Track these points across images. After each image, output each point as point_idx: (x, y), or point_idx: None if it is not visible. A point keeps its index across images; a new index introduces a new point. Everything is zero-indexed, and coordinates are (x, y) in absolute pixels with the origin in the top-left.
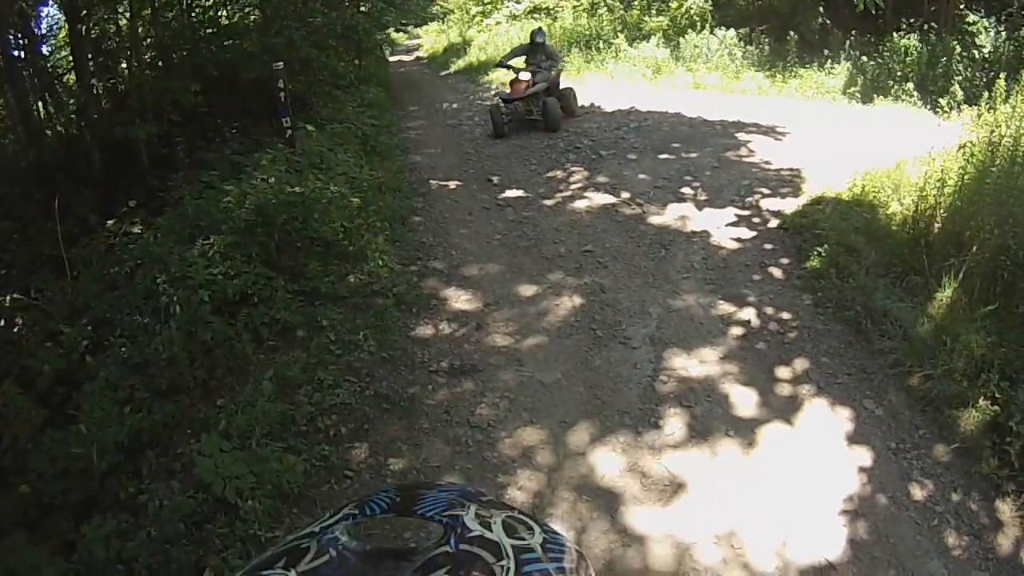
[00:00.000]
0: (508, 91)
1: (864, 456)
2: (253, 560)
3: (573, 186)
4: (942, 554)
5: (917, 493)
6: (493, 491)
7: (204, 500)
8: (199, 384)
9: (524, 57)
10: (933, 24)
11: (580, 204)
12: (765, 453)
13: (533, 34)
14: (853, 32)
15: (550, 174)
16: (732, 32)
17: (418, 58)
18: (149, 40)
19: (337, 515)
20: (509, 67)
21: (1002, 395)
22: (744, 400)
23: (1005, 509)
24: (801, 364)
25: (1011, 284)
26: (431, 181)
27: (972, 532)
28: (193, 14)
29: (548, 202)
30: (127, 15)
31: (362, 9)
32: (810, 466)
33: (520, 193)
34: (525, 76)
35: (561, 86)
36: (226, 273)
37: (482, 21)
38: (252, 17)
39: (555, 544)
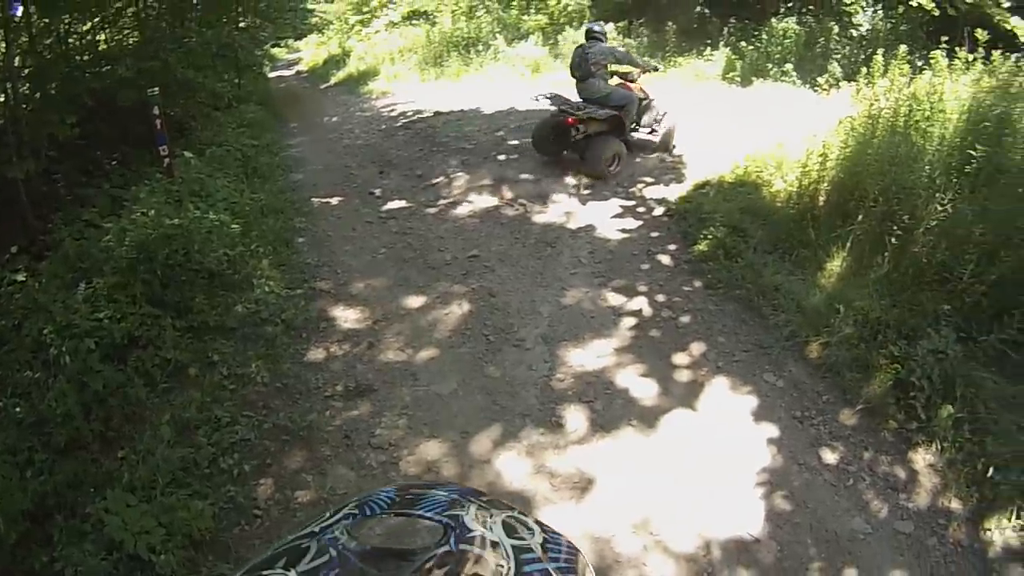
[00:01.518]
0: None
1: (771, 428)
2: (253, 560)
3: (455, 192)
4: (862, 511)
5: (829, 457)
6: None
7: (118, 560)
8: (97, 437)
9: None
10: (811, 7)
11: (463, 209)
12: (672, 438)
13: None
14: (731, 19)
15: (432, 181)
16: (611, 26)
17: (298, 72)
18: (26, 71)
19: (337, 515)
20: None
21: (901, 353)
22: (644, 389)
23: (918, 460)
24: (697, 347)
25: (899, 247)
26: (313, 199)
27: (889, 486)
28: (70, 40)
29: (431, 210)
30: (2, 45)
31: (240, 25)
32: (719, 445)
33: (403, 204)
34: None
35: None
36: (112, 316)
37: (361, 30)
38: (131, 40)
39: (555, 544)
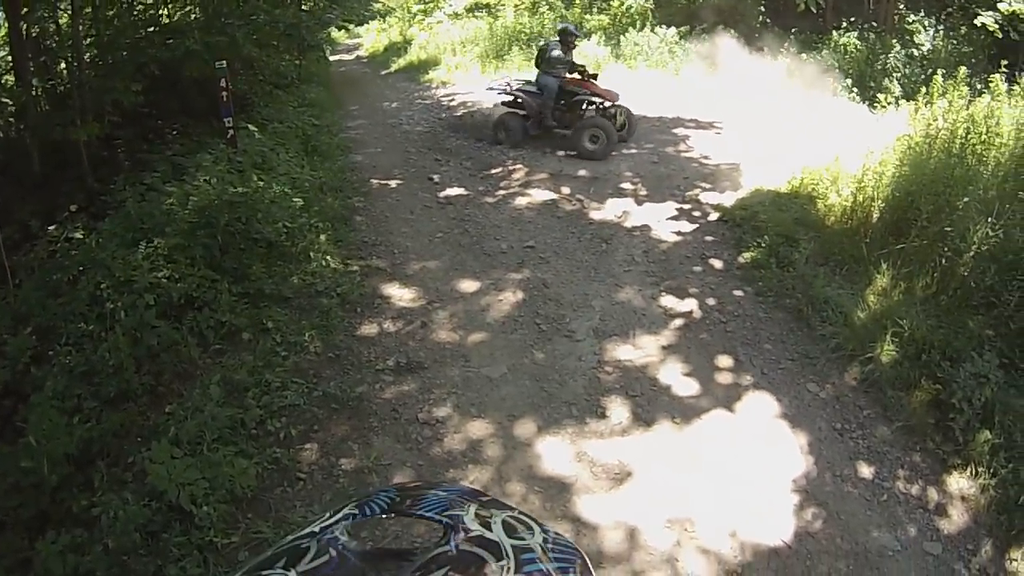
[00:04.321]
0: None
1: (810, 438)
2: (253, 560)
3: (514, 183)
4: (893, 528)
5: (865, 471)
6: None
7: (158, 509)
8: (147, 391)
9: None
10: (873, 23)
11: (521, 201)
12: (712, 438)
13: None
14: (793, 30)
15: (491, 171)
16: (672, 30)
17: (359, 57)
18: (90, 39)
19: (337, 515)
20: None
21: (943, 374)
22: (689, 388)
23: (952, 482)
24: (744, 352)
25: (948, 269)
26: (372, 180)
27: (921, 505)
28: (135, 12)
29: (489, 199)
30: (68, 12)
31: (304, 7)
32: (757, 449)
33: (461, 191)
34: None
35: None
36: (170, 276)
37: (423, 20)
38: (193, 15)
39: (555, 544)
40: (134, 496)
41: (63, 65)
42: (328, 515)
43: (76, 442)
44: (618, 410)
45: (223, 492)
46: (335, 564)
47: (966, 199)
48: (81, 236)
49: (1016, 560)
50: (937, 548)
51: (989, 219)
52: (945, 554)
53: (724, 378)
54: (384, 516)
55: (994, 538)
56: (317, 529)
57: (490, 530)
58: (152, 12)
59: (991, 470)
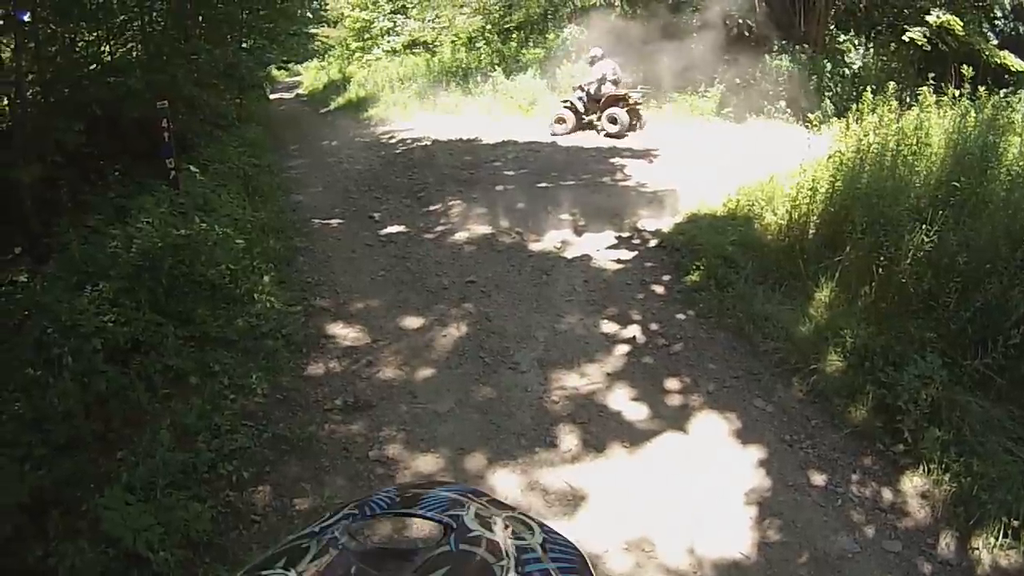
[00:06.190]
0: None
1: (761, 451)
2: (253, 560)
3: (453, 219)
4: (851, 531)
5: (817, 479)
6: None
7: (115, 556)
8: (97, 437)
9: None
10: (805, 44)
11: (461, 236)
12: (663, 460)
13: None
14: (726, 56)
15: (430, 208)
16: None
17: (298, 95)
18: (32, 76)
19: (337, 515)
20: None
21: (888, 379)
22: (636, 412)
23: (905, 481)
24: (689, 373)
25: (885, 277)
26: (314, 220)
27: (877, 506)
28: (77, 48)
29: (429, 236)
30: (11, 48)
31: (244, 46)
32: (709, 466)
33: (401, 228)
34: None
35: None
36: (116, 320)
37: (362, 57)
38: (135, 53)
39: (555, 544)
40: (90, 544)
41: (5, 102)
42: (328, 515)
43: (28, 490)
44: (567, 438)
45: (179, 537)
46: (335, 564)
47: (899, 209)
48: (25, 280)
49: (977, 548)
50: (897, 546)
51: (923, 226)
52: (906, 550)
53: (672, 400)
54: (384, 516)
55: (953, 530)
56: (317, 529)
57: (491, 530)
58: (94, 49)
59: (943, 465)
